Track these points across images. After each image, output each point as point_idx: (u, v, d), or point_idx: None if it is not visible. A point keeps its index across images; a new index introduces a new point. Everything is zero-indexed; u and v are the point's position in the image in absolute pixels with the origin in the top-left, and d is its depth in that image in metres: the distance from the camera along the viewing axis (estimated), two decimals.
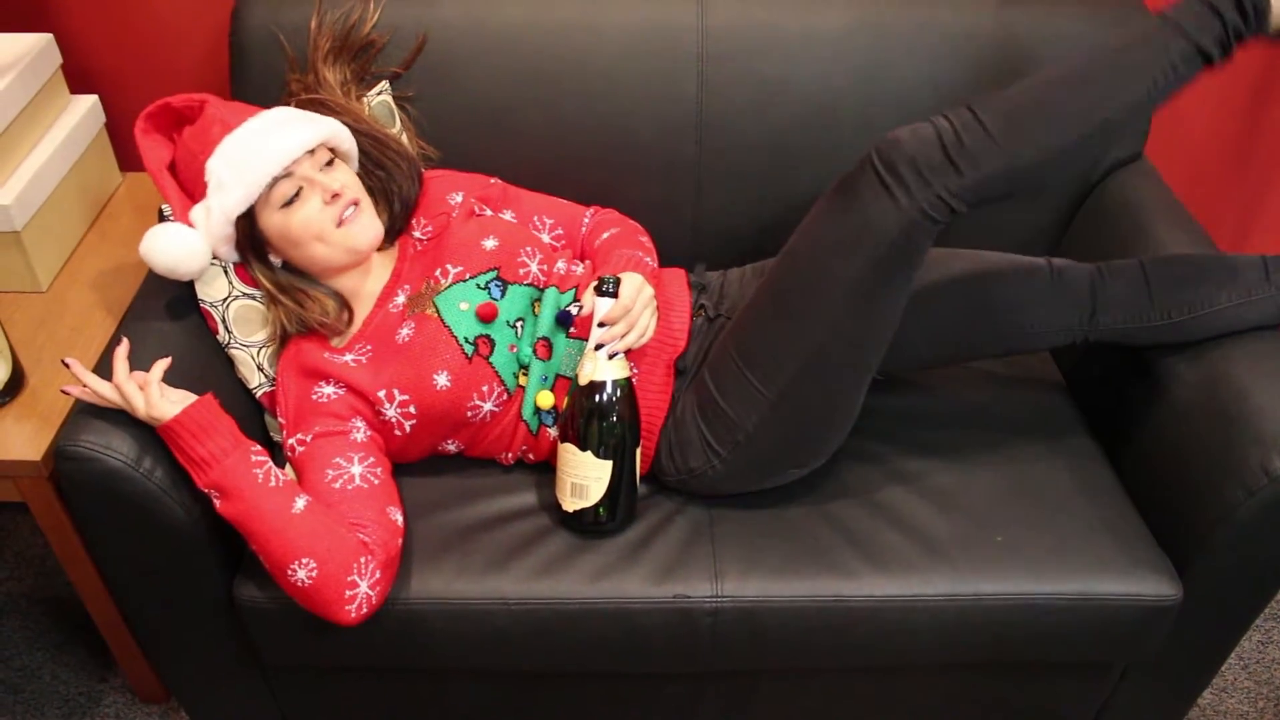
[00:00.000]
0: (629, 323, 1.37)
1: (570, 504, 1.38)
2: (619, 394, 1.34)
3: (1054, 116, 1.26)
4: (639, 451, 1.39)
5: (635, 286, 1.39)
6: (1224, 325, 1.41)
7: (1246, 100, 1.92)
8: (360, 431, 1.37)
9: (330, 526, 1.27)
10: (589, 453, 1.34)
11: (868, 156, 1.27)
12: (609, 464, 1.35)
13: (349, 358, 1.40)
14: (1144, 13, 1.65)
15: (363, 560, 1.27)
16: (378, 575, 1.28)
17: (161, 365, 1.29)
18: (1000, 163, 1.24)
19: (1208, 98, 1.92)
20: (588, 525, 1.39)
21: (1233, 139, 1.97)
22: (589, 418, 1.33)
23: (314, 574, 1.24)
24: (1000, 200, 1.28)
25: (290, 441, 1.37)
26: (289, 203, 1.36)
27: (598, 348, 1.35)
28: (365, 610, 1.27)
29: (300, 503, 1.27)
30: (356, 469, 1.34)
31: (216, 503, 1.26)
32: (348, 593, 1.25)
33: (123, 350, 1.29)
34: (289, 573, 1.25)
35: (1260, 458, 1.29)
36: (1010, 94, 1.27)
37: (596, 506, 1.36)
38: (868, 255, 1.26)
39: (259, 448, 1.29)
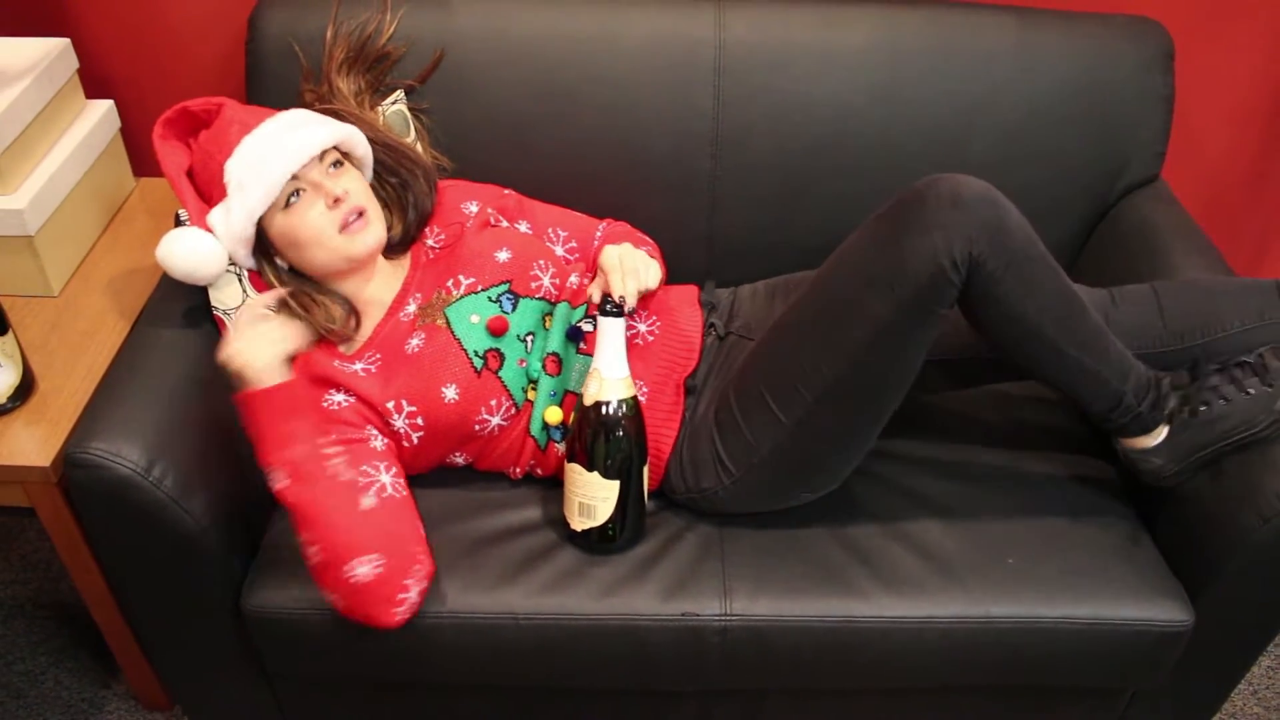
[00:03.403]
0: (631, 269, 1.37)
1: (578, 523, 1.37)
2: (625, 412, 1.33)
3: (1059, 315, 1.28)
4: (646, 470, 1.38)
5: (616, 250, 1.40)
6: (1236, 349, 1.40)
7: (1264, 122, 1.92)
8: (378, 439, 1.37)
9: (399, 525, 1.28)
10: (596, 473, 1.33)
11: (927, 183, 1.25)
12: (616, 484, 1.34)
13: (358, 367, 1.39)
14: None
15: (417, 567, 1.28)
16: (425, 585, 1.29)
17: (298, 338, 1.34)
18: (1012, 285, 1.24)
19: (1225, 119, 1.92)
20: (595, 544, 1.38)
21: (1250, 160, 1.96)
22: (595, 437, 1.32)
23: (379, 570, 1.24)
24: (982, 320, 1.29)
25: None
26: (289, 204, 1.36)
27: (607, 309, 1.33)
28: (406, 616, 1.28)
29: (371, 499, 1.28)
30: (385, 478, 1.33)
31: (283, 483, 1.25)
32: (399, 595, 1.26)
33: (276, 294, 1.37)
34: (347, 568, 1.23)
35: (1275, 484, 1.28)
36: (1063, 283, 1.29)
37: (604, 526, 1.36)
38: (898, 296, 1.24)
39: (334, 438, 1.31)
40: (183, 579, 1.34)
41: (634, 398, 1.35)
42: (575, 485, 1.35)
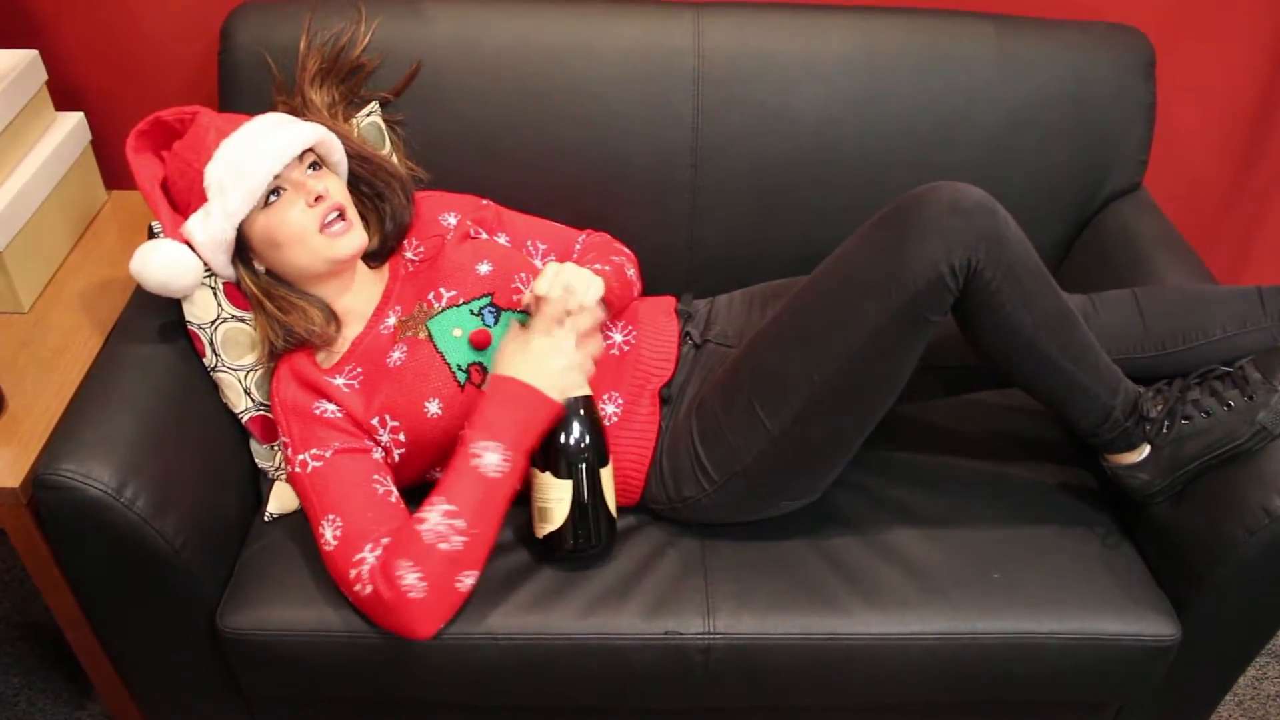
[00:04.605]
0: (565, 284, 1.35)
1: (539, 529, 1.35)
2: (573, 410, 1.31)
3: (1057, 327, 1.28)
4: (608, 471, 1.36)
5: (554, 268, 1.37)
6: (1218, 355, 1.40)
7: (1245, 130, 1.92)
8: (378, 451, 1.36)
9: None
10: (547, 473, 1.32)
11: (926, 190, 1.24)
12: (568, 483, 1.32)
13: (340, 381, 1.38)
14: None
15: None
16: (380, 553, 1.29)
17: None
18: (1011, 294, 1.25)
19: (1207, 129, 1.92)
20: (566, 552, 1.35)
21: (1231, 169, 1.97)
22: (543, 436, 1.31)
23: (473, 583, 1.28)
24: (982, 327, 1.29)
25: (302, 457, 1.33)
26: (268, 203, 1.34)
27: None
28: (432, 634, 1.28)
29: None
30: (395, 491, 1.34)
31: (510, 466, 1.28)
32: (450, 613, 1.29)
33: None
34: (462, 578, 1.26)
35: (1260, 497, 1.28)
36: (1057, 293, 1.29)
37: (562, 530, 1.33)
38: (894, 302, 1.23)
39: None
40: (156, 600, 1.32)
41: (585, 396, 1.33)
42: (532, 490, 1.34)
